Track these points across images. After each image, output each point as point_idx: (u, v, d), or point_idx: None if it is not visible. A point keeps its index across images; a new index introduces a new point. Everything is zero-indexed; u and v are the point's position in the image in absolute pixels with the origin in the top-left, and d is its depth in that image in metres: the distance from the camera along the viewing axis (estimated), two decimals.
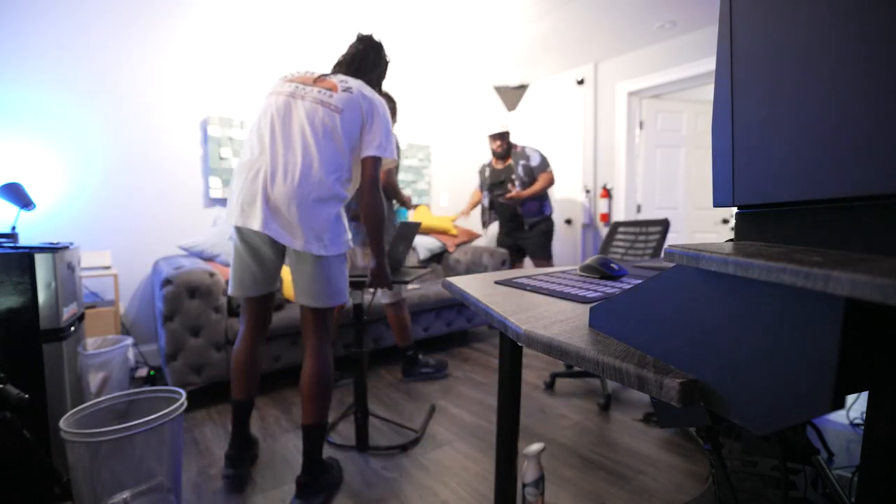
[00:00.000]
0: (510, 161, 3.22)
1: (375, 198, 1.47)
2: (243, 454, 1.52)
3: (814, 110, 0.31)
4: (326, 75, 1.46)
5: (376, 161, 1.46)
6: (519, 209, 3.21)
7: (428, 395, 2.22)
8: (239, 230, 1.41)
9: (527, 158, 3.16)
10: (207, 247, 2.48)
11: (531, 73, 4.19)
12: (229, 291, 1.50)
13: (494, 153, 3.26)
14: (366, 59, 1.58)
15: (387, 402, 2.12)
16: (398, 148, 2.33)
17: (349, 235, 1.47)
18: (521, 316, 0.60)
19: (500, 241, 3.42)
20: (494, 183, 3.28)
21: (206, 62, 2.77)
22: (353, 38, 1.61)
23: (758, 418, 0.30)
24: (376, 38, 1.61)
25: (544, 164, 3.18)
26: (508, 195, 3.12)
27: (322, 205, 1.34)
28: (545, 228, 3.23)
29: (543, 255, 3.22)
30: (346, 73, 1.55)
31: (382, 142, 1.45)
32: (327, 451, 1.67)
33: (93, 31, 2.41)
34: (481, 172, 3.40)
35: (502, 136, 3.19)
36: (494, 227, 3.84)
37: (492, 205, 3.34)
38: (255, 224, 1.30)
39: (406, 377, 2.49)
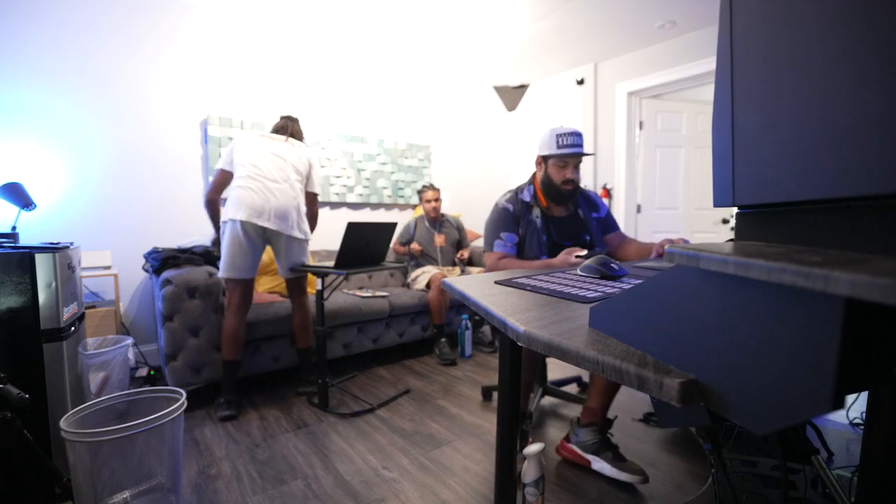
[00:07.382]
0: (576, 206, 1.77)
1: None
2: (239, 398, 2.07)
3: (813, 111, 0.31)
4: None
5: None
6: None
7: (428, 395, 2.22)
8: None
9: (593, 207, 1.78)
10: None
11: (531, 73, 4.19)
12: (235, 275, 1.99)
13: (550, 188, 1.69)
14: None
15: (382, 397, 2.12)
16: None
17: None
18: (521, 316, 0.60)
19: None
20: (558, 243, 1.68)
21: (207, 62, 2.77)
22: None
23: (758, 418, 0.30)
24: None
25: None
26: None
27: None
28: None
29: None
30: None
31: None
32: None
33: (93, 31, 2.41)
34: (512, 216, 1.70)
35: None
36: None
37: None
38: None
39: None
